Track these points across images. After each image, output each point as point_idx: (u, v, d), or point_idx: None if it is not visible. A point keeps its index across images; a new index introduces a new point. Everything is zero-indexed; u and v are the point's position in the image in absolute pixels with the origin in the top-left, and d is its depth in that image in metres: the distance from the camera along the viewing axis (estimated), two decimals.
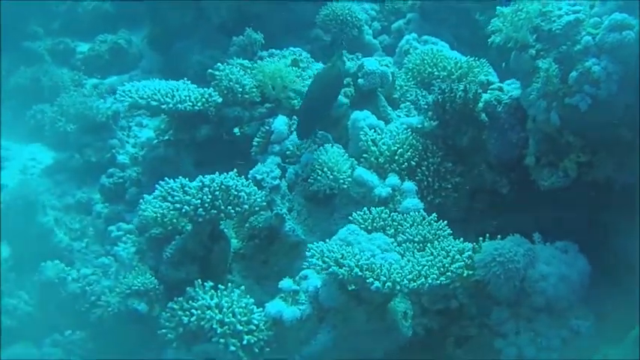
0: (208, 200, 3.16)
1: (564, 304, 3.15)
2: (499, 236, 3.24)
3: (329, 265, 2.82)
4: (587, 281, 3.21)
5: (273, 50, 4.71)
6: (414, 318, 3.19)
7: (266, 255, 3.53)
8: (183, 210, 3.15)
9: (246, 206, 3.22)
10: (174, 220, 3.44)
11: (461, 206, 3.70)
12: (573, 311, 3.18)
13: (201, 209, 3.14)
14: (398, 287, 2.79)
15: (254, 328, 3.05)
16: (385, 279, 2.79)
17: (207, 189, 3.19)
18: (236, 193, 3.22)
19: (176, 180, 3.28)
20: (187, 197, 3.16)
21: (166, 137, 4.38)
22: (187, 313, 3.07)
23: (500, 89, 3.75)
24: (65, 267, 3.74)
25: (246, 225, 3.56)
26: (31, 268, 3.85)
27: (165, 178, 3.30)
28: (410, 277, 2.82)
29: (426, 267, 2.90)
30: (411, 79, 4.43)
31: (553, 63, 3.18)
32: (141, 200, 3.53)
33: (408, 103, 4.29)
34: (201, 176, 3.26)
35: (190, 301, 3.09)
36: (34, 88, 5.58)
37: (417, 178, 3.61)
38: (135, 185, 4.51)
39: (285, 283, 3.17)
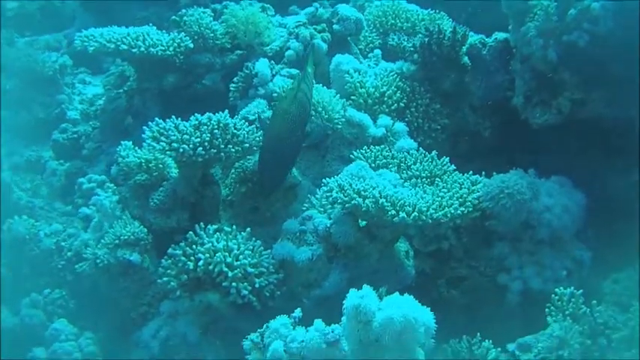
0: (207, 139, 2.97)
1: (568, 235, 3.18)
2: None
3: (351, 197, 2.72)
4: (585, 214, 3.25)
5: (228, 2, 4.51)
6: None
7: (257, 200, 3.36)
8: (181, 150, 2.94)
9: (246, 145, 3.05)
10: (160, 166, 3.23)
11: (444, 149, 3.67)
12: (574, 243, 3.22)
13: (200, 148, 2.94)
14: (424, 217, 2.72)
15: (264, 270, 2.90)
16: (410, 209, 2.71)
17: (204, 127, 2.99)
18: (235, 131, 3.04)
19: (167, 120, 3.07)
20: (185, 136, 2.95)
21: (126, 88, 4.13)
22: (192, 258, 2.87)
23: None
24: (35, 222, 3.43)
25: (236, 169, 3.39)
26: None
27: (156, 119, 3.07)
28: (434, 207, 2.76)
29: (446, 198, 2.85)
30: (373, 30, 4.37)
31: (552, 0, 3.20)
32: (120, 147, 3.29)
33: (375, 53, 4.22)
34: (196, 114, 3.06)
35: (194, 246, 2.90)
36: None
37: (406, 119, 3.57)
38: (92, 140, 4.22)
39: (291, 224, 3.04)
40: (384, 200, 2.69)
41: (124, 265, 3.06)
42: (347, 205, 2.75)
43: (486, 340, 2.80)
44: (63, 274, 3.35)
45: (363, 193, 2.73)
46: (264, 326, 2.30)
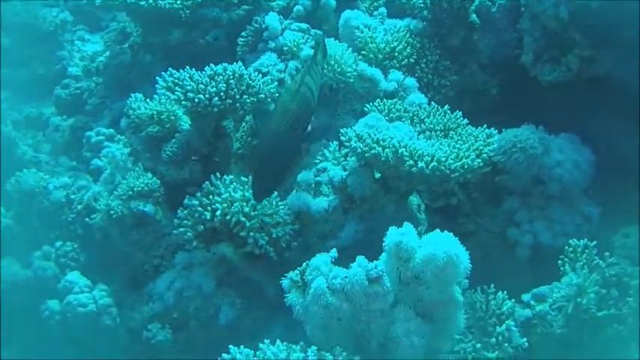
0: (223, 89, 2.95)
1: (578, 191, 3.21)
2: None
3: (370, 146, 2.72)
4: (594, 171, 3.28)
5: None
6: None
7: None
8: (196, 100, 2.92)
9: (261, 95, 3.04)
10: (172, 118, 3.20)
11: (452, 105, 3.68)
12: (583, 199, 3.26)
13: (216, 98, 2.93)
14: (442, 167, 2.73)
15: (281, 221, 2.90)
16: (429, 159, 2.72)
17: (220, 77, 2.97)
18: (250, 82, 3.02)
19: (180, 70, 3.04)
20: (201, 86, 2.93)
21: (130, 43, 4.08)
22: (209, 208, 2.86)
23: None
24: (44, 176, 3.39)
25: (247, 122, 3.37)
26: None
27: (169, 69, 3.05)
28: (452, 157, 2.77)
29: (463, 149, 2.86)
30: None
31: None
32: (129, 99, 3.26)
33: (380, 11, 4.19)
34: (211, 65, 3.03)
35: (211, 196, 2.89)
36: None
37: (416, 75, 3.56)
38: (95, 96, 4.17)
39: (305, 175, 3.04)
40: (404, 150, 2.70)
41: (137, 217, 3.05)
42: (366, 155, 2.75)
43: (500, 292, 2.83)
44: (73, 228, 3.32)
45: (382, 142, 2.74)
46: (304, 264, 2.31)
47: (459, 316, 2.17)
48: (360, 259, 2.13)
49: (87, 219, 3.24)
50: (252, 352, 2.13)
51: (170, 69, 3.04)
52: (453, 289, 2.08)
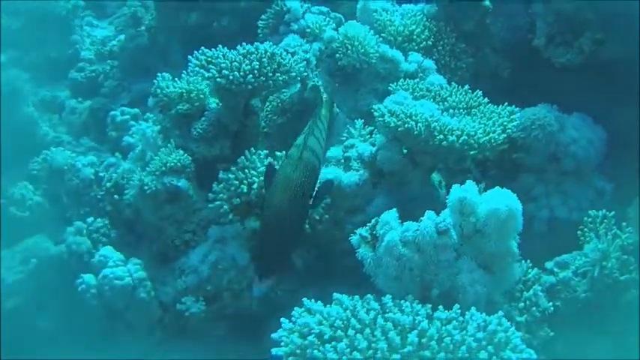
0: (257, 67, 3.03)
1: (592, 167, 3.36)
2: None
3: (404, 121, 2.83)
4: (606, 148, 3.43)
5: None
6: None
7: (292, 133, 3.44)
8: (231, 77, 3.00)
9: (293, 73, 3.12)
10: (201, 96, 3.27)
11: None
12: (596, 175, 3.40)
13: (250, 76, 3.01)
14: (471, 141, 2.85)
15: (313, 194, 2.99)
16: (459, 133, 2.84)
17: (252, 55, 3.06)
18: (281, 60, 3.10)
19: (212, 49, 3.12)
20: (235, 64, 3.01)
21: (148, 26, 4.14)
22: (245, 182, 2.95)
23: None
24: (71, 154, 3.44)
25: (270, 102, 3.46)
26: (22, 161, 3.53)
27: (202, 48, 3.12)
28: (480, 131, 2.89)
29: (489, 124, 2.97)
30: None
31: None
32: (157, 79, 3.32)
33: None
34: (242, 43, 3.11)
35: (247, 170, 2.98)
36: None
37: (433, 57, 3.67)
38: (111, 78, 4.22)
39: (334, 151, 3.15)
40: (436, 124, 2.81)
41: (171, 192, 3.10)
42: (399, 129, 2.85)
43: (524, 261, 2.95)
44: (102, 205, 3.37)
45: (414, 117, 2.84)
46: (373, 220, 2.41)
47: (515, 268, 2.31)
48: (430, 213, 2.25)
49: (116, 196, 3.29)
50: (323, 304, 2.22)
51: (203, 48, 3.11)
52: (511, 242, 2.21)
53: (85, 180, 3.41)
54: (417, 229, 2.20)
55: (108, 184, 3.36)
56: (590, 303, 2.81)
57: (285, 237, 2.67)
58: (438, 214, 3.18)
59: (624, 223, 2.95)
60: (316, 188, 2.76)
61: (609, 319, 2.80)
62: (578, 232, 3.01)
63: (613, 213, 2.97)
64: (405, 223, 2.28)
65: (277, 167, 2.81)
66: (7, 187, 3.43)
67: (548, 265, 2.96)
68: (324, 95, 3.19)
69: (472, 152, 2.98)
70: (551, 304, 2.79)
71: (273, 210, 2.63)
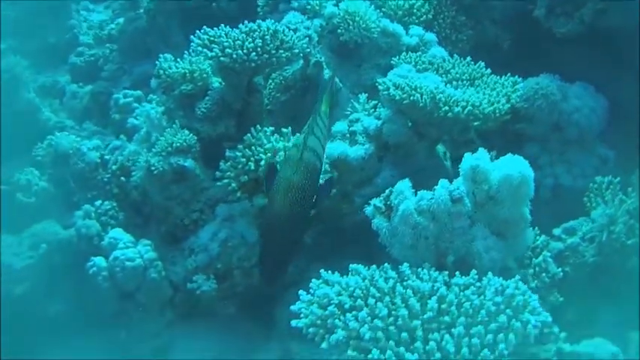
0: (260, 44, 3.03)
1: (595, 135, 3.38)
2: None
3: (409, 93, 2.84)
4: (608, 116, 3.45)
5: None
6: None
7: (296, 110, 3.45)
8: (234, 55, 3.00)
9: (295, 50, 3.12)
10: (205, 76, 3.27)
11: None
12: (598, 142, 3.42)
13: (254, 53, 3.01)
14: (477, 112, 2.87)
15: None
16: (465, 104, 2.85)
17: (255, 33, 3.06)
18: (284, 37, 3.10)
19: (214, 28, 3.11)
20: (238, 42, 3.01)
21: (146, 8, 4.13)
22: (253, 159, 2.96)
23: None
24: (76, 138, 3.44)
25: (273, 79, 3.46)
26: (24, 148, 3.52)
27: (204, 27, 3.12)
28: (485, 102, 2.90)
29: (493, 95, 2.99)
30: None
31: None
32: (159, 60, 3.31)
33: None
34: (244, 22, 3.11)
35: (253, 147, 2.98)
36: None
37: (434, 30, 3.68)
38: (111, 62, 4.21)
39: (340, 125, 3.16)
40: (441, 95, 2.83)
41: (177, 172, 3.11)
42: (404, 102, 2.87)
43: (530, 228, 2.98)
44: (109, 188, 3.38)
45: (419, 89, 2.86)
46: (387, 191, 2.43)
47: (529, 233, 2.33)
48: (443, 181, 2.27)
49: (122, 178, 3.30)
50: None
51: (205, 27, 3.10)
52: (524, 208, 2.23)
53: (91, 163, 3.42)
54: (432, 198, 2.22)
55: (114, 167, 3.36)
56: (598, 267, 2.84)
57: (288, 241, 2.61)
58: None
59: (630, 189, 2.97)
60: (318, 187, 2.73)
61: (617, 282, 2.82)
62: (585, 198, 3.03)
63: (618, 179, 2.99)
64: (419, 192, 2.29)
65: (278, 168, 2.75)
66: (10, 173, 3.41)
67: (556, 231, 2.98)
68: (324, 94, 3.12)
69: (476, 123, 3.00)
70: (560, 269, 2.82)
71: (275, 214, 2.59)
